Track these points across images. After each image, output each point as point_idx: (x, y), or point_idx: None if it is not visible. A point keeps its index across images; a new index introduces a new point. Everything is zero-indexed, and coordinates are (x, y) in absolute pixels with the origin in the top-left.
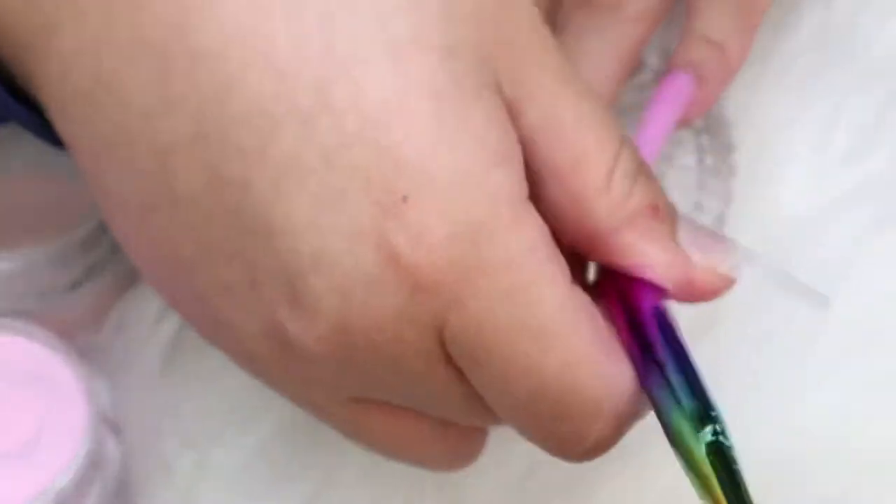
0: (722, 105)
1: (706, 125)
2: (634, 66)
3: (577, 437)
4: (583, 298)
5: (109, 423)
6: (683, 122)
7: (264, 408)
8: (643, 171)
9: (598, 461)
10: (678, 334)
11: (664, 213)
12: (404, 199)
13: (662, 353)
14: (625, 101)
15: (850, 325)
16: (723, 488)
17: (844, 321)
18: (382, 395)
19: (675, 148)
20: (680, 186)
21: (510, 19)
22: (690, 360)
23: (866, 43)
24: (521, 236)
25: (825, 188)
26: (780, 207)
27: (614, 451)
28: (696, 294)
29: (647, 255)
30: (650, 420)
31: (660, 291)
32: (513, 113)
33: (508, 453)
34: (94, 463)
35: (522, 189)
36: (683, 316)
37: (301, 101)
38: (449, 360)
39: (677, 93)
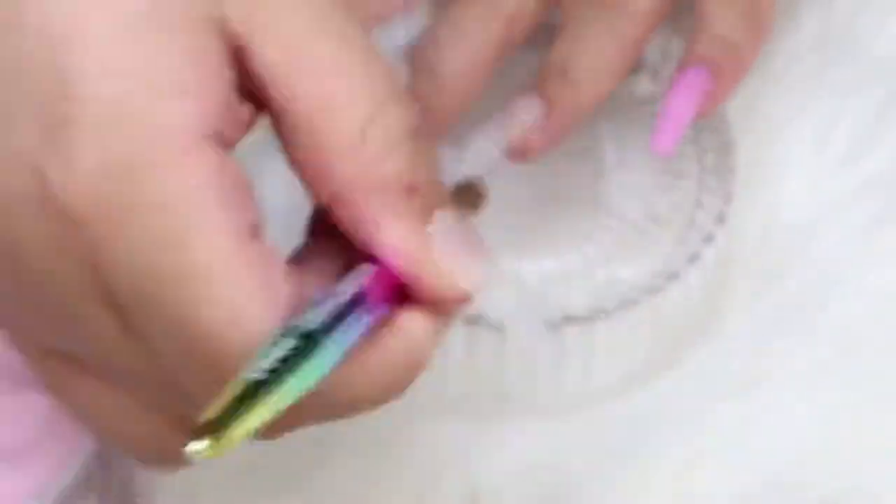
0: (722, 104)
1: (706, 124)
2: (636, 63)
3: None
4: (258, 251)
5: None
6: (700, 115)
7: None
8: (414, 142)
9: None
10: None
11: (422, 196)
12: (64, 124)
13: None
14: (626, 98)
15: (849, 324)
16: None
17: (844, 320)
18: (65, 344)
19: (675, 147)
20: (680, 185)
21: None
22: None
23: (866, 43)
24: (183, 177)
25: (825, 188)
26: (779, 207)
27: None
28: (422, 292)
29: (383, 233)
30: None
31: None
32: (245, 50)
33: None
34: (94, 462)
35: (202, 127)
36: (685, 315)
37: (1, 15)
38: (112, 304)
39: (694, 86)
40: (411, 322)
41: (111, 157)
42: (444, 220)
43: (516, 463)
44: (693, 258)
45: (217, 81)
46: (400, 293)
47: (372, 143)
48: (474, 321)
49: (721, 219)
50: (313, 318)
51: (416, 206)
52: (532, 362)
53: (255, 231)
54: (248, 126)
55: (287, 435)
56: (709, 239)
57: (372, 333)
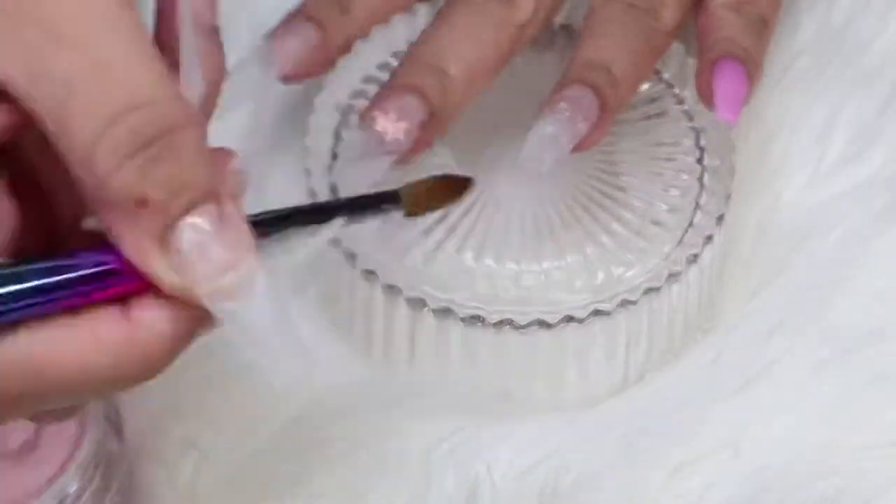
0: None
1: (707, 125)
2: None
3: None
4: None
5: (111, 423)
6: (744, 105)
7: (266, 408)
8: (153, 149)
9: None
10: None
11: (154, 208)
12: None
13: None
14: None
15: (848, 324)
16: None
17: (843, 320)
18: None
19: (675, 148)
20: (680, 186)
21: None
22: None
23: (866, 43)
24: None
25: (824, 187)
26: (779, 207)
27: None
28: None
29: (118, 243)
30: None
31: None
32: None
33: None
34: (95, 463)
35: None
36: (682, 316)
37: None
38: None
39: (736, 74)
40: (146, 312)
41: None
42: (187, 228)
43: (515, 462)
44: (692, 259)
45: None
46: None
47: (102, 156)
48: (474, 321)
49: (720, 220)
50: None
51: (145, 219)
52: (531, 360)
53: None
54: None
55: (284, 438)
56: (708, 240)
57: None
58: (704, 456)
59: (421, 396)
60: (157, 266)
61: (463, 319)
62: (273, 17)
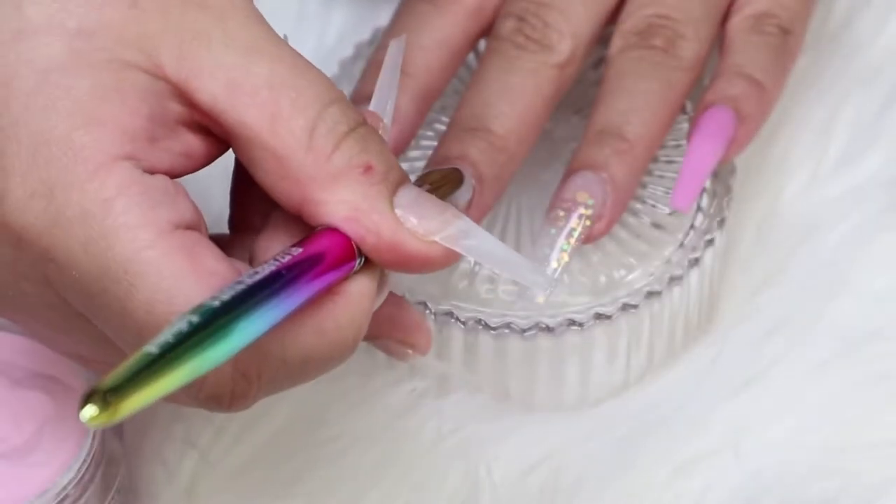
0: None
1: None
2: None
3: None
4: (179, 239)
5: None
6: (724, 160)
7: (265, 408)
8: (360, 131)
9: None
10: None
11: (379, 174)
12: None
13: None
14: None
15: (848, 324)
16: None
17: (843, 320)
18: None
19: (675, 149)
20: None
21: (185, 12)
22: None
23: (866, 43)
24: (98, 188)
25: (824, 187)
26: (779, 207)
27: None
28: (402, 258)
29: (355, 209)
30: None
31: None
32: (184, 87)
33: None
34: (95, 462)
35: (112, 149)
36: (682, 318)
37: None
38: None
39: (721, 129)
40: (358, 286)
41: (33, 184)
42: (410, 191)
43: (516, 462)
44: (694, 263)
45: (127, 114)
46: (343, 264)
47: (320, 139)
48: (476, 324)
49: (721, 223)
50: (218, 296)
51: (377, 178)
52: (532, 363)
53: (179, 225)
54: (196, 157)
55: (284, 438)
56: (710, 243)
57: (311, 303)
58: (704, 456)
59: (421, 396)
60: (391, 216)
61: (464, 323)
62: (273, 16)
